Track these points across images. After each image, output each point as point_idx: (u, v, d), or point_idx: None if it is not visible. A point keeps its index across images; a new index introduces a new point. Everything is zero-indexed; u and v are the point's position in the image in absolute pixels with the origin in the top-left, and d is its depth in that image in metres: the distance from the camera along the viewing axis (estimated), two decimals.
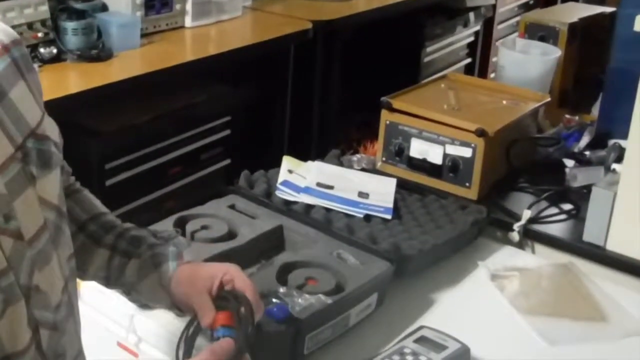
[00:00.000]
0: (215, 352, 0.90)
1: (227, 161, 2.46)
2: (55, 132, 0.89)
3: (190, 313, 1.00)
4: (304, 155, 1.73)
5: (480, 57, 3.26)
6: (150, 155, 2.22)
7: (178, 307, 1.02)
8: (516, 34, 2.31)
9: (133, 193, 2.16)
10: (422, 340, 1.22)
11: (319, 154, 1.76)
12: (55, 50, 2.01)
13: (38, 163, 0.83)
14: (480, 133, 1.60)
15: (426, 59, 2.92)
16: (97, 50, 2.10)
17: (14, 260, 0.78)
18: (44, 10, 2.06)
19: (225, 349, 0.91)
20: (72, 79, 2.02)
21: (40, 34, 2.02)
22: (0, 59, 0.82)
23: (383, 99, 1.72)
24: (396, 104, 1.71)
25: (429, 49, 2.94)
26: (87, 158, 2.05)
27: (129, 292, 1.07)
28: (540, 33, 2.15)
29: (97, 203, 1.09)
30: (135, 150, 2.17)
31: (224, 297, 0.99)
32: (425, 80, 1.95)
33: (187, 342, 0.97)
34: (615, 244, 1.47)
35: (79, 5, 2.13)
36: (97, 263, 1.04)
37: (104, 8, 2.23)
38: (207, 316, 0.96)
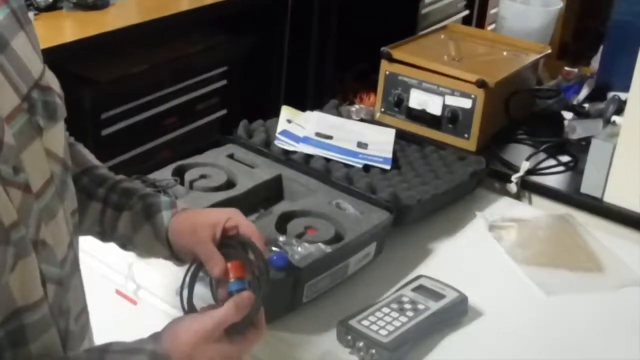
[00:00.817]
0: (239, 307, 0.88)
1: (224, 112, 2.45)
2: (57, 84, 0.88)
3: (191, 260, 0.99)
4: (300, 106, 1.72)
5: (478, 9, 3.22)
6: (146, 105, 2.20)
7: (177, 257, 1.02)
8: None
9: (129, 143, 2.14)
10: (420, 289, 1.23)
11: (315, 105, 1.75)
12: None
13: (44, 114, 0.81)
14: (481, 84, 1.59)
15: (424, 11, 2.89)
16: None
17: (22, 213, 0.76)
18: None
19: (247, 304, 0.89)
20: (68, 28, 1.99)
21: None
22: (0, 9, 0.80)
23: (383, 49, 1.71)
24: (396, 54, 1.70)
25: (426, 1, 2.91)
26: (83, 107, 2.03)
27: (125, 245, 1.06)
28: None
29: (90, 157, 1.08)
30: (131, 100, 2.16)
31: (229, 245, 0.96)
32: (425, 31, 1.94)
33: (189, 288, 0.97)
34: (613, 196, 1.48)
35: None
36: (90, 217, 1.03)
37: None
38: (217, 266, 0.93)
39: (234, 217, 0.99)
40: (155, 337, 0.87)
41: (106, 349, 0.83)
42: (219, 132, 2.25)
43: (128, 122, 2.15)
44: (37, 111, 0.80)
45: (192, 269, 0.97)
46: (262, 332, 0.93)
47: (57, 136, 0.84)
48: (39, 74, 0.83)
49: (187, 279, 0.97)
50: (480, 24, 3.14)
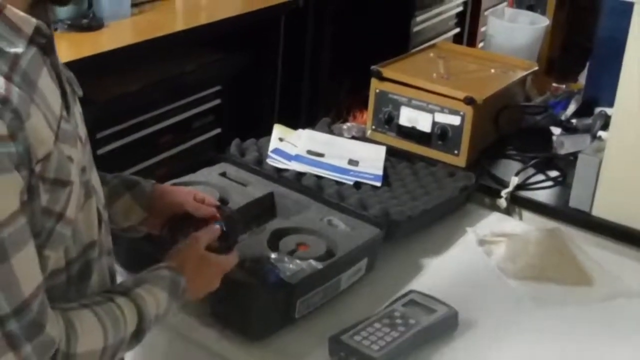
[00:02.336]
0: (208, 231, 1.12)
1: (218, 130, 2.47)
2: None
3: (156, 231, 1.18)
4: (294, 123, 1.74)
5: (469, 27, 3.26)
6: (142, 124, 2.22)
7: (149, 223, 1.17)
8: (505, 3, 2.33)
9: (124, 162, 2.16)
10: (411, 304, 1.25)
11: (309, 123, 1.78)
12: None
13: (76, 84, 0.97)
14: (469, 101, 1.62)
15: (416, 29, 2.92)
16: (87, 20, 2.10)
17: (86, 162, 0.93)
18: None
19: (215, 231, 1.13)
20: (63, 49, 2.01)
21: None
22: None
23: (373, 67, 1.74)
24: (386, 72, 1.73)
25: (418, 19, 2.94)
26: None
27: None
28: (529, 2, 2.18)
29: None
30: (126, 120, 2.18)
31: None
32: (415, 49, 1.96)
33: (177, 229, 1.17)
34: (601, 210, 1.50)
35: None
36: None
37: None
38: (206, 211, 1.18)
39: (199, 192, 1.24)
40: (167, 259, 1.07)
41: (134, 278, 1.01)
42: (214, 150, 2.27)
43: (124, 141, 2.17)
44: (73, 81, 0.96)
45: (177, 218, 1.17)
46: (235, 258, 1.15)
47: (79, 109, 1.00)
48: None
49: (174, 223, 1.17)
50: (472, 42, 3.18)
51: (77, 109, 0.95)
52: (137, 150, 2.21)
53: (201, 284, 1.09)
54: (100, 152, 2.12)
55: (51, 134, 0.84)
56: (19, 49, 0.82)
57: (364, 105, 1.82)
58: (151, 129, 2.25)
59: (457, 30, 3.25)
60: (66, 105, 0.90)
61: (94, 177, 0.98)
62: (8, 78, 0.80)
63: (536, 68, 1.84)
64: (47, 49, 0.88)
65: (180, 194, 1.21)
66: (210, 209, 1.20)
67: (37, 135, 0.81)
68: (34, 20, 0.84)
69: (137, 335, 0.96)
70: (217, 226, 1.15)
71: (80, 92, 0.98)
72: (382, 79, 1.72)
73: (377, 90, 1.74)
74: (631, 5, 1.40)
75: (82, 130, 0.95)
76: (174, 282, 1.02)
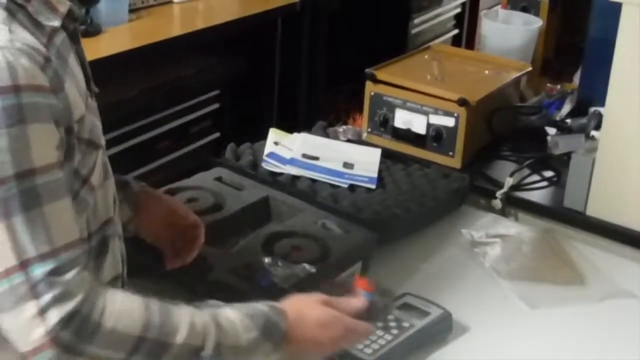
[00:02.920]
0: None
1: (217, 134, 2.48)
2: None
3: (142, 234, 1.17)
4: (292, 127, 1.75)
5: (467, 28, 3.26)
6: (140, 129, 2.23)
7: (133, 225, 1.17)
8: (499, 6, 2.33)
9: (123, 167, 2.15)
10: (405, 307, 1.25)
11: (307, 126, 1.78)
12: None
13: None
14: (462, 102, 1.62)
15: (414, 31, 2.93)
16: (85, 26, 2.10)
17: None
18: None
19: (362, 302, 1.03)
20: None
21: None
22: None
23: (367, 70, 1.74)
24: (380, 75, 1.73)
25: (416, 21, 2.94)
26: None
27: None
28: (522, 4, 2.18)
29: None
30: (125, 125, 2.19)
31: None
32: (410, 52, 1.97)
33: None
34: (595, 209, 1.50)
35: None
36: None
37: None
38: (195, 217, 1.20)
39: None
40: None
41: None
42: (212, 154, 2.28)
43: (122, 146, 2.17)
44: (90, 78, 1.01)
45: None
46: (368, 331, 1.04)
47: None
48: None
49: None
50: (470, 43, 3.18)
51: (94, 103, 1.00)
52: (135, 155, 2.22)
53: (315, 340, 0.96)
54: None
55: (82, 101, 0.91)
56: (56, 23, 0.89)
57: (362, 109, 1.82)
58: (150, 134, 2.26)
59: (456, 31, 3.25)
60: (89, 89, 0.98)
61: (109, 167, 1.03)
62: (46, 47, 0.87)
63: (530, 69, 1.85)
64: (74, 37, 0.95)
65: (170, 198, 1.23)
66: (197, 218, 1.20)
67: (73, 99, 0.88)
68: (68, 2, 0.92)
69: (197, 353, 0.87)
70: (365, 297, 1.03)
71: (95, 89, 1.03)
72: (376, 81, 1.73)
73: (372, 93, 1.74)
74: (620, 5, 1.40)
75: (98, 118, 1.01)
76: (269, 321, 0.93)
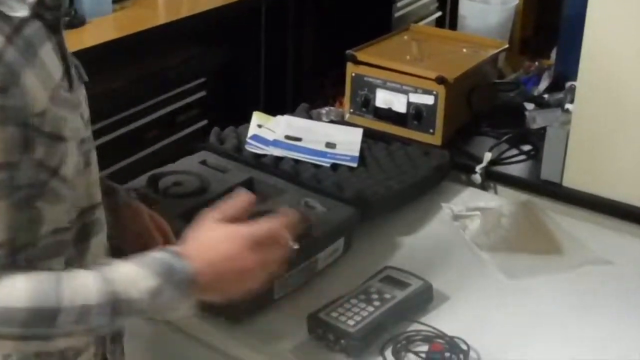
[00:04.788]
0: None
1: (204, 122, 2.49)
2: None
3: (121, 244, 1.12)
4: (280, 112, 1.77)
5: (450, 10, 3.28)
6: (127, 119, 2.25)
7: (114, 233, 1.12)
8: None
9: (112, 157, 2.19)
10: (386, 279, 1.29)
11: (294, 111, 1.81)
12: None
13: (83, 72, 1.03)
14: (441, 80, 1.65)
15: (397, 14, 2.94)
16: (69, 18, 2.12)
17: (87, 135, 0.97)
18: None
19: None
20: None
21: None
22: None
23: (348, 52, 1.78)
24: (360, 56, 1.76)
25: (399, 4, 2.96)
26: None
27: None
28: None
29: None
30: (112, 115, 2.20)
31: None
32: (389, 34, 2.00)
33: None
34: (570, 180, 1.54)
35: None
36: None
37: None
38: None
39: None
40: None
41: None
42: (201, 142, 2.31)
43: (110, 136, 2.19)
44: (80, 69, 1.01)
45: None
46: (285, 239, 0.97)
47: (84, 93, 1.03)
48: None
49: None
50: (453, 24, 3.19)
51: (81, 93, 0.99)
52: (124, 145, 2.24)
53: (232, 269, 0.90)
54: None
55: (46, 95, 0.87)
56: (22, 13, 0.86)
57: None
58: (137, 124, 2.28)
59: (439, 14, 3.26)
60: (69, 80, 0.94)
61: (94, 155, 1.00)
62: (8, 39, 0.85)
63: (506, 46, 1.88)
64: (54, 27, 0.92)
65: (152, 218, 1.18)
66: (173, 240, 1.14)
67: (32, 93, 0.85)
68: None
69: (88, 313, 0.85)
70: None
71: (85, 77, 1.02)
72: (357, 62, 1.76)
73: (353, 74, 1.77)
74: None
75: (86, 112, 0.99)
76: (168, 266, 0.88)
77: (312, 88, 2.72)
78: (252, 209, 1.01)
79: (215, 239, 0.92)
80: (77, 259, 0.95)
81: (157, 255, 0.90)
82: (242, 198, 0.96)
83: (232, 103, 2.56)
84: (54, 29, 0.94)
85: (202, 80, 2.48)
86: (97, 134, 2.21)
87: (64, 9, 0.95)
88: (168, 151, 2.33)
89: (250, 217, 1.33)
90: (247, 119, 1.73)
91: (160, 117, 2.36)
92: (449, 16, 3.26)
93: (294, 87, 2.71)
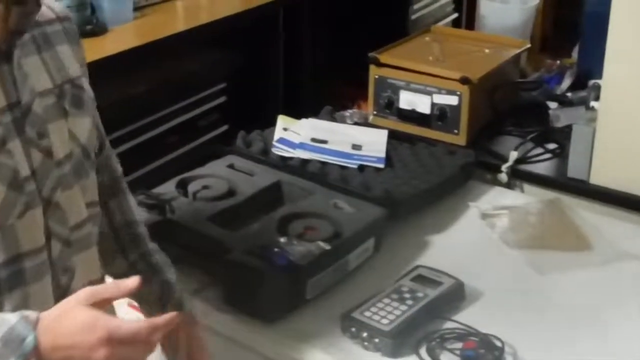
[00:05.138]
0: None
1: (225, 127, 2.51)
2: (91, 92, 1.06)
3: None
4: (298, 115, 1.79)
5: (466, 11, 3.29)
6: (148, 125, 2.26)
7: None
8: None
9: (133, 163, 2.20)
10: (418, 278, 1.30)
11: (312, 113, 1.82)
12: (74, 26, 2.05)
13: (71, 103, 0.98)
14: (464, 81, 1.66)
15: (414, 16, 2.95)
16: (91, 26, 2.14)
17: (40, 173, 0.93)
18: None
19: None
20: None
21: None
22: (55, 24, 1.02)
23: (370, 54, 1.79)
24: (383, 58, 1.77)
25: (416, 6, 2.97)
26: None
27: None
28: None
29: (135, 209, 1.20)
30: (133, 122, 2.22)
31: None
32: (410, 35, 2.01)
33: None
34: (598, 178, 1.55)
35: None
36: (115, 270, 1.15)
37: None
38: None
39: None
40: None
41: None
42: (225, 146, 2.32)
43: (132, 143, 2.21)
44: (65, 98, 0.98)
45: None
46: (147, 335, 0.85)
47: (82, 124, 1.00)
48: (76, 76, 1.02)
49: None
50: (470, 26, 3.20)
51: (58, 126, 0.95)
52: (145, 151, 2.26)
53: (77, 346, 0.82)
54: None
55: None
56: None
57: (366, 95, 1.86)
58: (158, 130, 2.30)
59: (455, 15, 3.27)
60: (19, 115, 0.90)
61: (61, 195, 0.95)
62: None
63: (528, 46, 1.88)
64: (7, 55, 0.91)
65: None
66: None
67: None
68: None
69: None
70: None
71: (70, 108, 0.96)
72: (379, 64, 1.77)
73: (376, 76, 1.78)
74: None
75: (58, 147, 0.94)
76: (12, 331, 0.83)
77: (329, 90, 2.73)
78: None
79: (73, 326, 0.84)
80: (21, 304, 0.90)
81: (7, 317, 0.85)
82: (124, 284, 0.87)
83: (252, 107, 2.58)
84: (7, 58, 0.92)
85: (222, 85, 2.50)
86: (118, 141, 2.24)
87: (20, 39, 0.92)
88: (189, 157, 2.35)
89: (281, 221, 1.35)
90: (267, 123, 1.74)
91: (181, 123, 2.37)
92: (465, 17, 3.27)
93: (312, 90, 2.72)
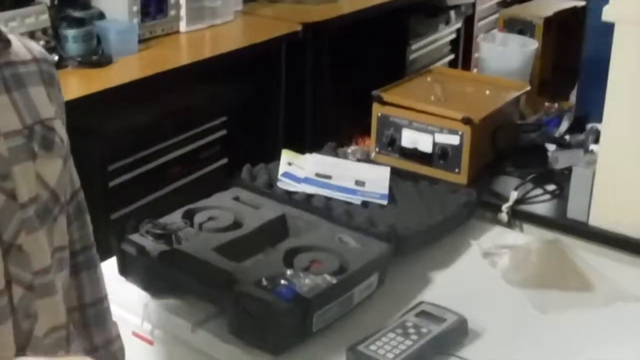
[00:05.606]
0: None
1: (225, 160, 2.54)
2: (64, 134, 1.02)
3: None
4: (299, 151, 1.81)
5: (462, 53, 3.36)
6: (151, 156, 2.29)
7: None
8: (495, 29, 2.43)
9: (136, 193, 2.23)
10: (422, 314, 1.31)
11: (313, 150, 1.84)
12: (56, 57, 2.08)
13: (41, 145, 0.96)
14: (467, 121, 1.70)
15: (412, 57, 3.02)
16: (97, 57, 2.18)
17: (2, 215, 0.91)
18: (45, 19, 2.13)
19: None
20: (74, 85, 2.09)
21: (42, 42, 2.08)
22: (30, 65, 0.99)
23: (374, 92, 1.82)
24: (386, 97, 1.81)
25: (413, 47, 3.04)
26: (91, 160, 2.11)
27: None
28: (519, 27, 2.27)
29: (102, 282, 1.17)
30: (136, 152, 2.25)
31: None
32: (412, 75, 2.05)
33: None
34: (597, 219, 1.57)
35: (78, 14, 2.21)
36: (73, 348, 1.10)
37: (101, 16, 2.31)
38: None
39: None
40: None
41: None
42: (222, 180, 2.34)
43: (134, 173, 2.23)
44: (34, 140, 0.95)
45: None
46: None
47: (51, 167, 0.98)
48: (48, 117, 0.99)
49: None
50: (466, 67, 3.27)
51: (24, 168, 0.93)
52: (147, 181, 2.28)
53: None
54: (112, 184, 2.19)
55: None
56: None
57: (366, 132, 1.90)
58: (160, 161, 2.33)
59: (452, 57, 3.35)
60: None
61: (25, 239, 0.94)
62: None
63: (528, 88, 1.93)
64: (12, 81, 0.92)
65: None
66: None
67: None
68: None
69: None
70: None
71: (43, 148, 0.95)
72: (383, 103, 1.81)
73: (379, 114, 1.82)
74: (612, 25, 1.48)
75: (23, 190, 0.93)
76: None
77: (329, 127, 2.77)
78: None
79: None
80: None
81: None
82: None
83: (252, 141, 2.61)
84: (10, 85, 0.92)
85: (224, 118, 2.53)
86: (120, 171, 2.26)
87: None
88: (190, 188, 2.37)
89: (287, 254, 1.37)
90: (267, 157, 1.76)
91: (183, 154, 2.41)
92: (461, 59, 3.34)
93: (312, 126, 2.76)
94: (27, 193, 0.94)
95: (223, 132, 2.54)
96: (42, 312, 0.97)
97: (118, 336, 1.19)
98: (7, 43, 0.95)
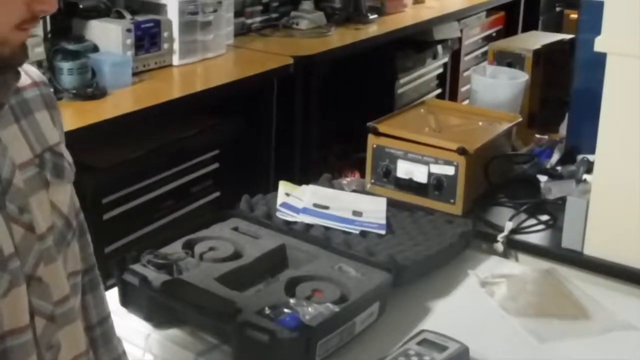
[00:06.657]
0: None
1: (217, 194, 2.55)
2: (69, 158, 1.04)
3: None
4: (291, 183, 1.81)
5: (449, 87, 3.42)
6: (144, 189, 2.30)
7: None
8: (486, 62, 2.47)
9: (129, 226, 2.23)
10: (424, 342, 1.32)
11: (302, 184, 1.85)
12: (51, 90, 2.09)
13: (53, 172, 0.96)
14: (462, 151, 1.72)
15: (400, 90, 3.07)
16: (91, 89, 2.20)
17: (22, 248, 0.90)
18: (40, 51, 2.15)
19: None
20: (68, 117, 2.10)
21: None
22: (31, 90, 1.00)
23: (369, 124, 1.84)
24: (382, 128, 1.83)
25: (402, 81, 3.09)
26: (84, 193, 2.12)
27: None
28: (508, 60, 2.32)
29: (106, 301, 1.17)
30: (129, 185, 2.25)
31: None
32: (406, 107, 2.08)
33: None
34: (592, 249, 1.60)
35: (72, 47, 2.23)
36: None
37: (95, 49, 2.33)
38: None
39: None
40: None
41: None
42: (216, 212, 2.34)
43: (127, 206, 2.24)
44: (46, 168, 0.96)
45: None
46: None
47: (63, 194, 0.98)
48: (55, 143, 1.00)
49: None
50: (453, 101, 3.33)
51: (39, 198, 0.92)
52: (140, 214, 2.28)
53: None
54: (105, 217, 2.19)
55: None
56: None
57: (354, 166, 1.91)
58: (153, 194, 2.33)
59: (439, 91, 3.40)
60: None
61: (44, 270, 0.93)
62: None
63: (520, 119, 1.96)
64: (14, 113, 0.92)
65: None
66: None
67: None
68: None
69: None
70: None
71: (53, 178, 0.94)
72: (378, 134, 1.83)
73: (374, 145, 1.84)
74: (604, 57, 1.52)
75: (40, 221, 0.92)
76: None
77: (318, 161, 2.80)
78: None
79: None
80: None
81: None
82: None
83: (244, 175, 2.62)
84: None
85: (216, 152, 2.55)
86: (113, 204, 2.26)
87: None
88: (182, 222, 2.37)
89: (288, 283, 1.38)
90: (258, 191, 1.76)
91: (175, 188, 2.41)
92: (448, 93, 3.40)
93: (301, 160, 2.78)
94: (44, 223, 0.94)
95: (215, 166, 2.55)
96: (64, 341, 0.98)
97: (124, 352, 1.19)
98: (18, 75, 0.95)
